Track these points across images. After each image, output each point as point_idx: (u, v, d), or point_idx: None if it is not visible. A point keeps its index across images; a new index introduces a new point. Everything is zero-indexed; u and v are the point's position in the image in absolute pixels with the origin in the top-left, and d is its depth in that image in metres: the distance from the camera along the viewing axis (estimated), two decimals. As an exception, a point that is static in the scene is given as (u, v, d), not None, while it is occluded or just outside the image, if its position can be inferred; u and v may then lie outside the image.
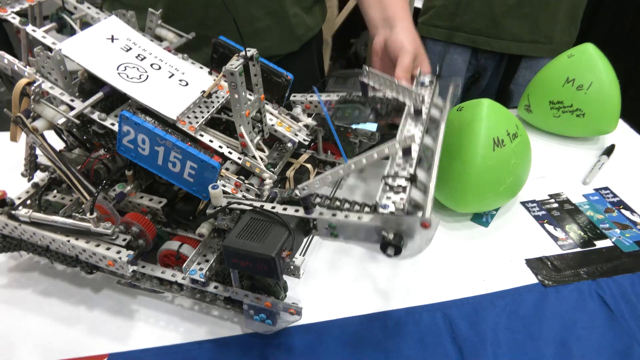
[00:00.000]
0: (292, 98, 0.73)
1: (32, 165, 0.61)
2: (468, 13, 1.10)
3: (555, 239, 0.69)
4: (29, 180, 0.63)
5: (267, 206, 0.51)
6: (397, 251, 0.45)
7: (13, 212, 0.55)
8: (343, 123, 0.70)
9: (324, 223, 0.48)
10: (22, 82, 0.51)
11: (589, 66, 0.83)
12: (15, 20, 0.57)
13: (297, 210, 0.49)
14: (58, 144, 0.62)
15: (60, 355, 0.53)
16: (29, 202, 0.62)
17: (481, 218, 0.72)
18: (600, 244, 0.68)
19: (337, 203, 0.50)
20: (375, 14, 0.81)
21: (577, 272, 0.64)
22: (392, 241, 0.44)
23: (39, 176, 0.64)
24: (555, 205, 0.75)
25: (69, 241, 0.54)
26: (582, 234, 0.70)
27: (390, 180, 0.47)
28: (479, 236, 0.70)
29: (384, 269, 0.64)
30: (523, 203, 0.76)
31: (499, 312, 0.59)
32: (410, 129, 0.57)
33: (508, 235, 0.70)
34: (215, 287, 0.54)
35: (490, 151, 0.65)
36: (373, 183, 0.80)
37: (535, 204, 0.76)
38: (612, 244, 0.68)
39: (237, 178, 0.56)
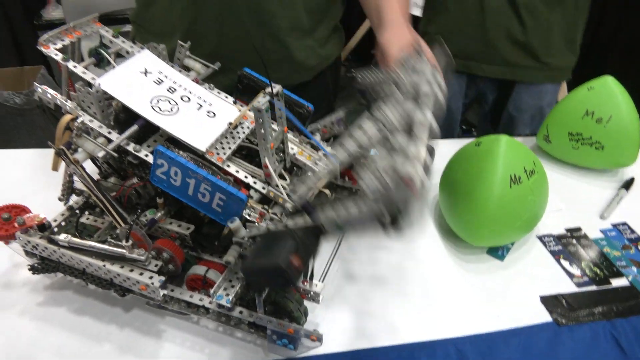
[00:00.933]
0: (309, 127, 0.77)
1: (68, 190, 0.65)
2: (461, 39, 1.11)
3: (571, 275, 0.70)
4: (65, 204, 0.66)
5: (280, 225, 0.54)
6: (394, 223, 0.44)
7: (52, 237, 0.59)
8: None
9: (329, 223, 0.49)
10: (67, 117, 0.56)
11: (609, 99, 0.85)
12: (58, 57, 0.61)
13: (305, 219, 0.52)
14: (92, 169, 0.66)
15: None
16: (63, 223, 0.66)
17: (497, 252, 0.74)
18: (616, 282, 0.69)
19: (333, 199, 0.52)
20: (375, 20, 0.83)
21: (592, 312, 0.64)
22: (389, 220, 0.44)
23: (73, 199, 0.68)
24: (572, 240, 0.76)
25: (104, 266, 0.57)
26: (598, 271, 0.71)
27: (368, 162, 0.48)
28: (494, 270, 0.71)
29: (398, 300, 0.66)
30: (539, 237, 0.77)
31: (512, 350, 0.60)
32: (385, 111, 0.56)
33: (523, 270, 0.71)
34: (240, 312, 0.57)
35: (506, 188, 0.67)
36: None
37: (551, 239, 0.77)
38: (628, 283, 0.69)
39: (262, 208, 0.59)
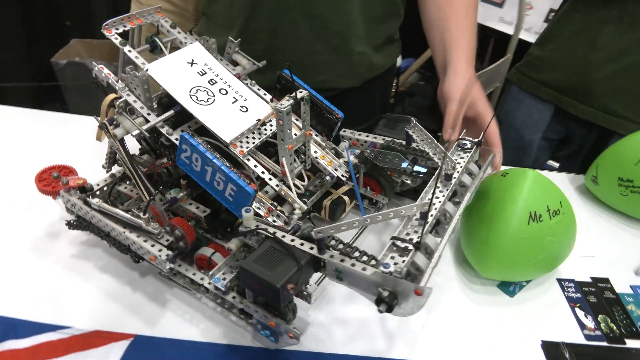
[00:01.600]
0: (342, 133, 0.79)
1: (111, 160, 0.72)
2: (560, 70, 1.05)
3: (583, 326, 0.66)
4: (107, 171, 0.74)
5: (288, 237, 0.56)
6: (389, 309, 0.48)
7: (87, 199, 0.66)
8: (383, 166, 0.74)
9: (332, 266, 0.53)
10: (111, 96, 0.62)
11: (669, 150, 0.78)
12: (117, 41, 0.68)
13: (312, 248, 0.54)
14: (135, 145, 0.72)
15: (97, 326, 0.63)
16: (105, 188, 0.74)
17: (508, 287, 0.71)
18: (631, 343, 0.64)
19: (349, 249, 0.54)
20: (439, 58, 0.83)
21: None
22: (385, 298, 0.48)
23: (116, 168, 0.75)
24: (595, 290, 0.72)
25: (124, 232, 0.63)
26: (614, 327, 0.66)
27: (398, 242, 0.51)
28: (500, 305, 0.69)
29: (393, 318, 0.66)
30: (560, 280, 0.73)
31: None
32: (435, 194, 0.59)
33: (532, 310, 0.68)
34: (233, 297, 0.61)
35: (524, 224, 0.64)
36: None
37: (572, 284, 0.73)
38: (645, 347, 0.64)
39: (271, 204, 0.62)
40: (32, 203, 0.80)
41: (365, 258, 0.53)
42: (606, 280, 0.74)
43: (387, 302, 0.48)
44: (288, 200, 0.65)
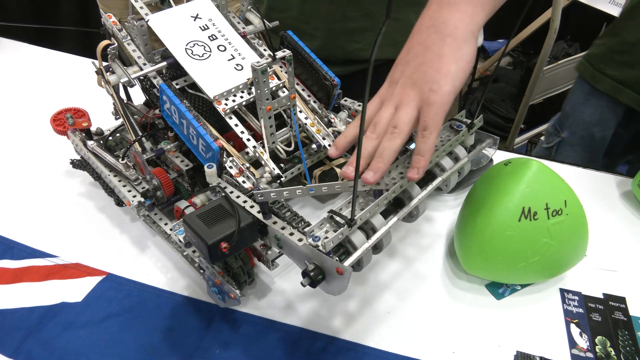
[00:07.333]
0: (342, 102, 0.75)
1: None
2: None
3: (573, 344, 0.58)
4: (116, 119, 0.78)
5: (242, 198, 0.55)
6: (312, 284, 0.46)
7: (85, 140, 0.70)
8: None
9: (272, 232, 0.51)
10: (103, 43, 0.64)
11: None
12: (125, -9, 0.70)
13: (259, 212, 0.53)
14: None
15: (80, 259, 0.67)
16: (118, 135, 0.78)
17: (498, 288, 0.64)
18: None
19: (295, 218, 0.52)
20: None
21: None
22: (310, 272, 0.46)
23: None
24: (603, 308, 0.63)
25: (109, 175, 0.66)
26: (612, 353, 0.57)
27: (335, 215, 0.47)
28: (482, 305, 0.62)
29: (360, 300, 0.63)
30: (563, 290, 0.65)
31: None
32: (398, 172, 0.54)
33: (517, 318, 0.61)
34: (193, 251, 0.61)
35: (514, 220, 0.57)
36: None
37: (576, 297, 0.64)
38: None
39: (242, 164, 0.61)
40: (60, 140, 0.86)
41: (307, 229, 0.50)
42: (621, 300, 0.64)
43: (311, 277, 0.45)
44: (261, 163, 0.63)
